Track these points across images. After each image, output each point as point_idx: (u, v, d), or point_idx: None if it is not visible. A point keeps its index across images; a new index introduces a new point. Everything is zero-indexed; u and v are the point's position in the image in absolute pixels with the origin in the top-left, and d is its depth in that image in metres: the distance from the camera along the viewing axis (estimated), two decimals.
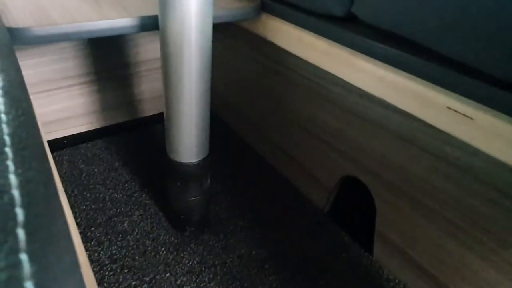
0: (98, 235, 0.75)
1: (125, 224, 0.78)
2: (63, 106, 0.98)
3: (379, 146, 0.68)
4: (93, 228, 0.77)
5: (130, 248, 0.73)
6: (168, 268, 0.70)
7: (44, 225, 0.15)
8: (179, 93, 0.62)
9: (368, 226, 0.75)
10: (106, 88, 1.02)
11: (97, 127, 1.06)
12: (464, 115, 0.50)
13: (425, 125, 0.57)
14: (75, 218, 0.79)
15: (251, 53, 0.93)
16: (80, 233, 0.75)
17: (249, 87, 0.98)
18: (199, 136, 0.67)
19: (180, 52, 0.58)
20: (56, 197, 0.18)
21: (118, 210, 0.81)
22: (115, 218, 0.79)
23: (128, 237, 0.75)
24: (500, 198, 0.52)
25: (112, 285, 0.66)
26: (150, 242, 0.75)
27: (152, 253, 0.72)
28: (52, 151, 0.96)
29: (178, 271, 0.69)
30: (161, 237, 0.76)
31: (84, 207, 0.81)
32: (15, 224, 0.14)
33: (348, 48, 0.64)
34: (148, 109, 1.13)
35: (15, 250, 0.13)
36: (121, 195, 0.85)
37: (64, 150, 0.98)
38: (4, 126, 0.20)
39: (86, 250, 0.72)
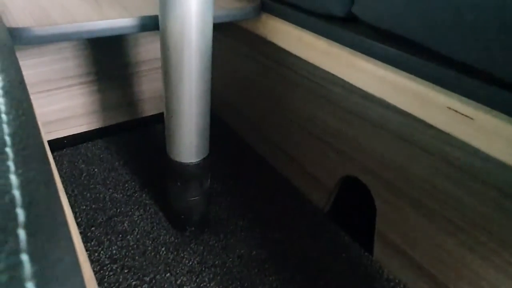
0: (98, 235, 0.75)
1: (125, 224, 0.78)
2: (63, 106, 0.98)
3: (379, 146, 0.68)
4: (93, 228, 0.77)
5: (130, 248, 0.73)
6: (168, 268, 0.70)
7: (44, 226, 0.15)
8: (179, 93, 0.62)
9: (368, 226, 0.75)
10: (106, 88, 1.02)
11: (97, 127, 1.06)
12: (465, 115, 0.50)
13: (425, 125, 0.57)
14: (75, 218, 0.79)
15: (251, 53, 0.93)
16: (80, 233, 0.75)
17: (249, 87, 0.98)
18: (199, 136, 0.67)
19: (180, 52, 0.58)
20: (56, 197, 0.18)
21: (118, 210, 0.81)
22: (115, 218, 0.79)
23: (128, 237, 0.75)
24: (500, 198, 0.52)
25: (112, 285, 0.66)
26: (150, 242, 0.75)
27: (152, 253, 0.72)
28: (52, 151, 0.96)
29: (178, 271, 0.69)
30: (161, 237, 0.76)
31: (84, 207, 0.81)
32: (16, 224, 0.14)
33: (348, 48, 0.64)
34: (148, 109, 1.13)
35: (16, 251, 0.13)
36: (121, 195, 0.85)
37: (64, 150, 0.98)
38: (5, 126, 0.20)
39: (86, 250, 0.72)
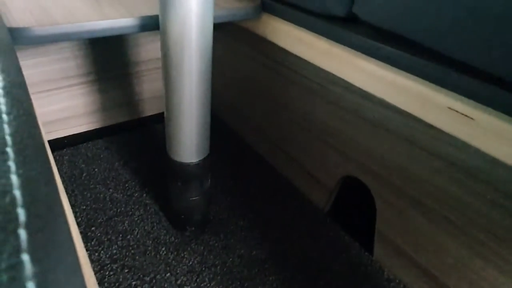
0: (98, 235, 0.75)
1: (125, 224, 0.78)
2: (64, 105, 0.98)
3: (379, 146, 0.68)
4: (93, 228, 0.77)
5: (130, 248, 0.73)
6: (168, 268, 0.70)
7: (45, 226, 0.15)
8: (179, 93, 0.62)
9: (368, 226, 0.75)
10: (106, 88, 1.02)
11: (98, 127, 1.06)
12: (465, 115, 0.50)
13: (425, 125, 0.57)
14: (76, 217, 0.79)
15: (252, 53, 0.93)
16: (81, 232, 0.75)
17: (250, 87, 0.98)
18: (200, 136, 0.67)
19: (181, 52, 0.58)
20: (57, 197, 0.18)
21: (119, 210, 0.81)
22: (116, 218, 0.79)
23: (129, 236, 0.75)
24: (500, 198, 0.52)
25: (112, 284, 0.66)
26: (150, 242, 0.75)
27: (153, 253, 0.72)
28: (52, 151, 0.96)
29: (178, 271, 0.69)
30: (162, 237, 0.76)
31: (84, 207, 0.81)
32: (17, 224, 0.14)
33: (348, 48, 0.64)
34: (149, 109, 1.13)
35: (17, 251, 0.13)
36: (121, 195, 0.85)
37: (65, 150, 0.98)
38: (6, 126, 0.20)
39: (87, 250, 0.72)
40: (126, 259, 0.71)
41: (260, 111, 0.97)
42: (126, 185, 0.88)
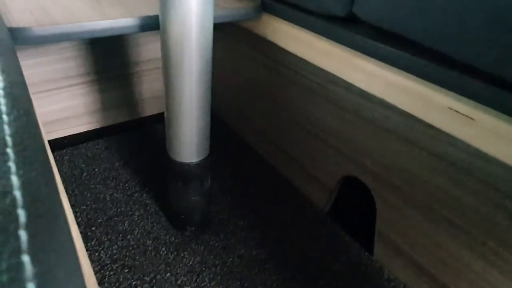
0: (98, 234, 0.75)
1: (125, 224, 0.78)
2: (64, 105, 0.98)
3: (379, 146, 0.68)
4: (93, 228, 0.77)
5: (130, 248, 0.73)
6: (168, 268, 0.70)
7: (45, 227, 0.15)
8: (179, 93, 0.62)
9: (368, 226, 0.75)
10: (106, 88, 1.02)
11: (98, 127, 1.06)
12: (465, 115, 0.50)
13: (426, 126, 0.57)
14: (76, 217, 0.79)
15: (252, 53, 0.93)
16: (81, 232, 0.75)
17: (250, 87, 0.98)
18: (200, 136, 0.67)
19: (181, 52, 0.58)
20: (57, 197, 0.18)
21: (119, 210, 0.81)
22: (116, 218, 0.79)
23: (129, 236, 0.75)
24: (500, 198, 0.52)
25: (112, 284, 0.66)
26: (150, 242, 0.75)
27: (153, 253, 0.72)
28: (52, 151, 0.96)
29: (178, 271, 0.69)
30: (162, 236, 0.76)
31: (84, 207, 0.81)
32: (17, 225, 0.14)
33: (349, 48, 0.64)
34: (149, 109, 1.13)
35: (17, 252, 0.13)
36: (121, 194, 0.85)
37: (65, 150, 0.98)
38: (6, 127, 0.20)
39: (87, 250, 0.72)
40: (126, 259, 0.71)
41: (260, 111, 0.97)
42: (126, 185, 0.88)
